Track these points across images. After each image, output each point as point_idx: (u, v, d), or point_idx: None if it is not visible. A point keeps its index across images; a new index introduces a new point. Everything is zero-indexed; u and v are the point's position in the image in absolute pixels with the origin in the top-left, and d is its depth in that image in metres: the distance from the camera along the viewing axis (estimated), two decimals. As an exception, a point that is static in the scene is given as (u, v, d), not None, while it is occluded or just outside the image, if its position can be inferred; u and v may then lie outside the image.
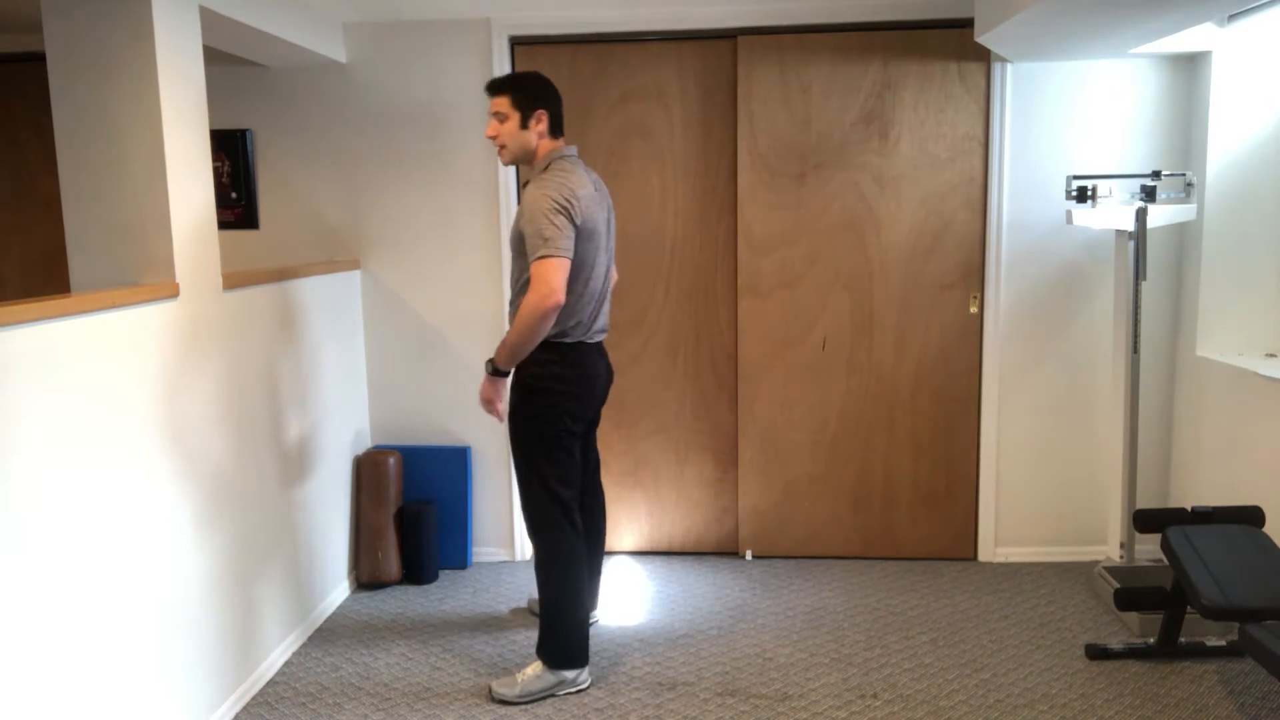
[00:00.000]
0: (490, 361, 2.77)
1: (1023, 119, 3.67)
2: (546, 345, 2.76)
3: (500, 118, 2.77)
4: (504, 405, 2.84)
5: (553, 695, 2.86)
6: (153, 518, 2.41)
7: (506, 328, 3.74)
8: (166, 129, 2.53)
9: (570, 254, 2.64)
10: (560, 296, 2.60)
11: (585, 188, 2.73)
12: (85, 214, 2.56)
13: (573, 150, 2.83)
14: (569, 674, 2.86)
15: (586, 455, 3.13)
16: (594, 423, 3.11)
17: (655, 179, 3.82)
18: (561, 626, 2.85)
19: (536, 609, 3.42)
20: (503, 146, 2.80)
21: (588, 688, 2.91)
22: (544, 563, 2.85)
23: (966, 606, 3.46)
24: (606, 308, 2.91)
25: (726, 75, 3.75)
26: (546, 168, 2.76)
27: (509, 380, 2.81)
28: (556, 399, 2.78)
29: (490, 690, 2.86)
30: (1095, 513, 3.86)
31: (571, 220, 2.64)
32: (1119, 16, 2.79)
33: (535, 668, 2.87)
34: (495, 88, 2.78)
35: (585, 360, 2.83)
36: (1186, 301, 3.65)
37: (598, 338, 2.88)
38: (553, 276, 2.59)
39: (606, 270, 2.87)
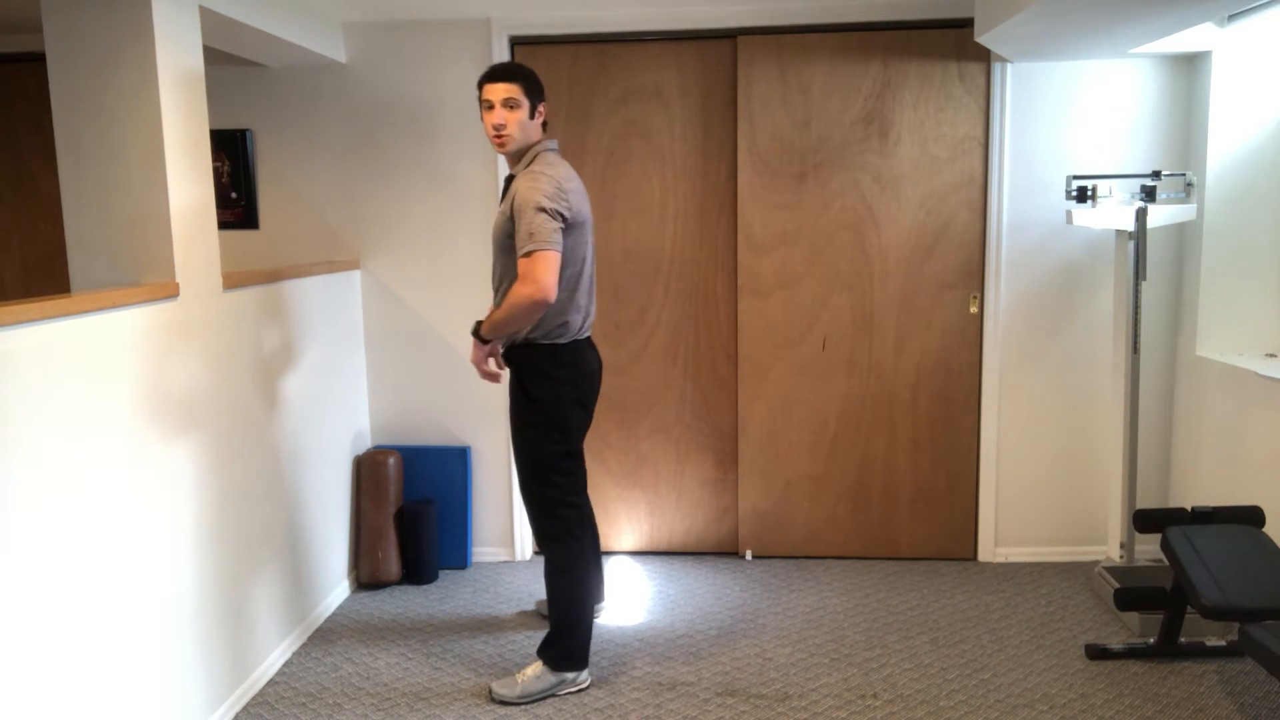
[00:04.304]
0: (477, 325, 2.77)
1: (1023, 119, 3.67)
2: (544, 349, 2.76)
3: (512, 104, 2.69)
4: (493, 368, 2.84)
5: (553, 695, 2.86)
6: (152, 518, 2.41)
7: None
8: (166, 129, 2.53)
9: (560, 248, 2.61)
10: (551, 294, 2.57)
11: (572, 180, 2.74)
12: (85, 214, 2.56)
13: (554, 144, 2.83)
14: (570, 675, 2.87)
15: None
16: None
17: (655, 179, 3.82)
18: (571, 631, 2.85)
19: (545, 611, 3.42)
20: (509, 136, 2.71)
21: (587, 687, 2.91)
22: (558, 570, 2.84)
23: (966, 606, 3.46)
24: (594, 300, 2.91)
25: (726, 75, 3.75)
26: (532, 160, 2.75)
27: (495, 345, 2.81)
28: (561, 402, 2.78)
29: (490, 691, 2.86)
30: (1095, 513, 3.86)
31: (562, 215, 2.63)
32: (1119, 16, 2.79)
33: (536, 668, 2.87)
34: (508, 74, 2.70)
35: (581, 358, 2.83)
36: (1186, 301, 3.65)
37: (588, 332, 2.88)
38: (544, 274, 2.56)
39: (592, 263, 2.87)
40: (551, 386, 2.77)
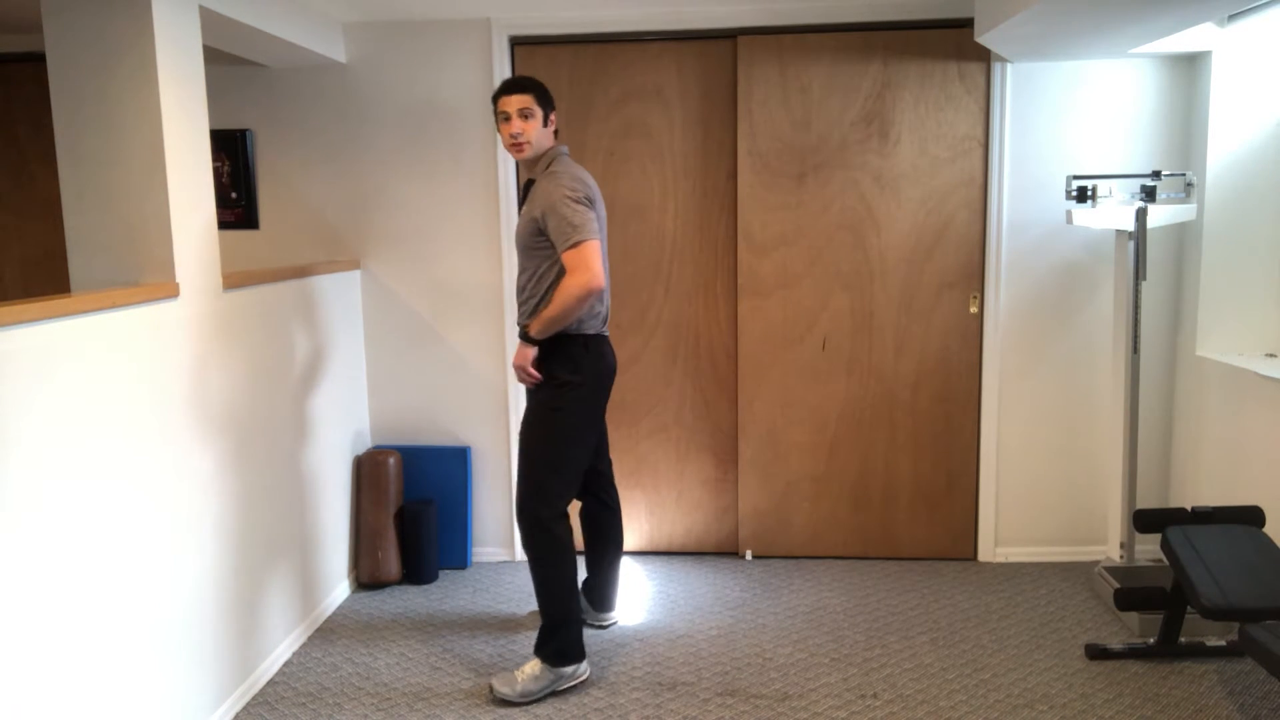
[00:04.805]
0: (523, 329, 2.83)
1: (1023, 119, 3.67)
2: (575, 340, 2.83)
3: (527, 114, 2.82)
4: (535, 371, 2.87)
5: (553, 692, 2.86)
6: (152, 517, 2.41)
7: (512, 331, 3.78)
8: (166, 129, 2.53)
9: (599, 237, 2.74)
10: (601, 280, 2.69)
11: (591, 179, 2.86)
12: (85, 214, 2.56)
13: (566, 149, 2.94)
14: (567, 670, 2.88)
15: (600, 458, 3.19)
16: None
17: (655, 179, 3.82)
18: (559, 625, 2.86)
19: None
20: (526, 143, 2.84)
21: (586, 679, 2.92)
22: (538, 559, 2.87)
23: (966, 606, 3.46)
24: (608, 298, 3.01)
25: (726, 75, 3.75)
26: (550, 163, 2.86)
27: (535, 350, 2.84)
28: (582, 392, 2.84)
29: (491, 688, 2.86)
30: (1095, 513, 3.86)
31: (590, 206, 2.75)
32: (1119, 16, 2.79)
33: (534, 666, 2.87)
34: (522, 86, 2.85)
35: (604, 352, 2.91)
36: (1186, 301, 3.65)
37: (607, 330, 2.97)
38: (593, 261, 2.68)
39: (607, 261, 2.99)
40: (578, 375, 2.83)
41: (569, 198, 2.71)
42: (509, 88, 2.84)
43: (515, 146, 2.84)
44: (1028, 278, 3.75)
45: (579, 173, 2.81)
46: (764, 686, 2.91)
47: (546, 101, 2.87)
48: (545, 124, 2.86)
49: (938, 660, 3.06)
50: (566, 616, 2.86)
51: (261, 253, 3.90)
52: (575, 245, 2.68)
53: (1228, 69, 3.43)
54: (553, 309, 2.73)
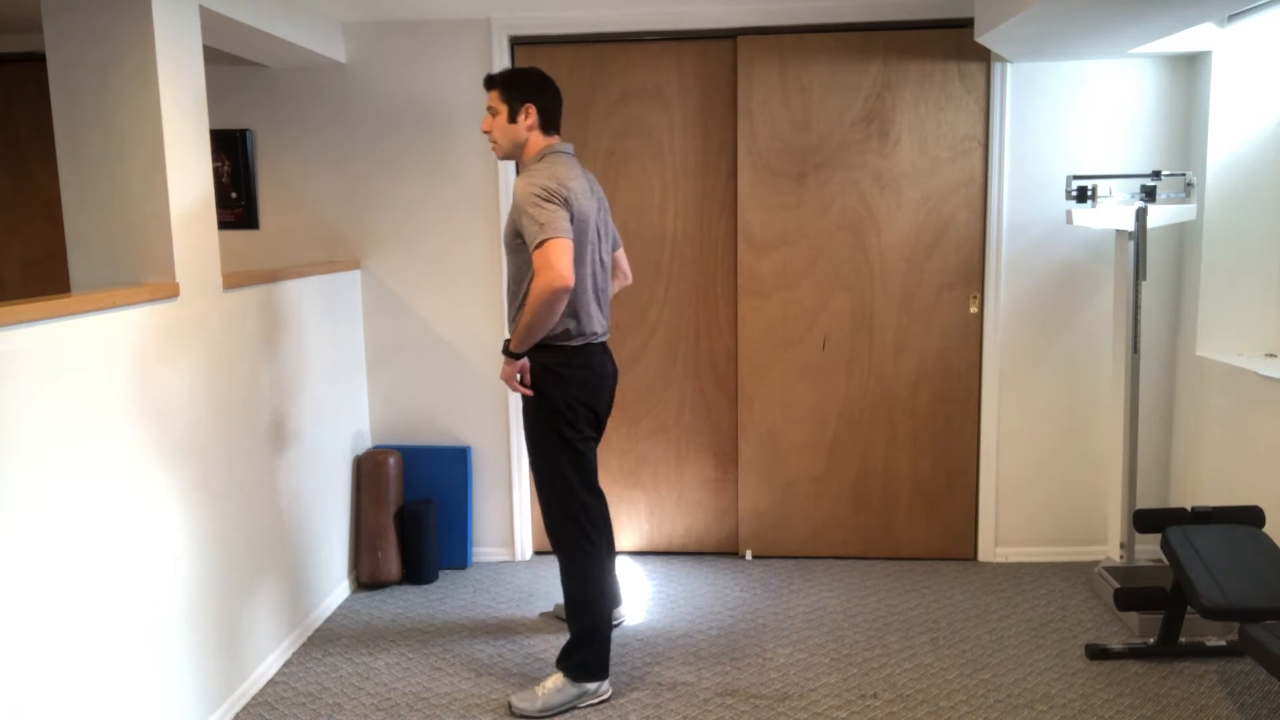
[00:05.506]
0: (505, 343, 2.72)
1: (1023, 119, 3.67)
2: (556, 350, 2.73)
3: (492, 112, 2.77)
4: (521, 384, 2.78)
5: (575, 708, 2.80)
6: (152, 517, 2.41)
7: (507, 332, 3.76)
8: (166, 129, 2.53)
9: (570, 235, 2.59)
10: (568, 279, 2.53)
11: (575, 179, 2.70)
12: (85, 214, 2.56)
13: (568, 147, 2.81)
14: (591, 686, 2.81)
15: None
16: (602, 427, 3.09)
17: (655, 179, 3.82)
18: (588, 640, 2.80)
19: (562, 614, 3.41)
20: (494, 141, 2.79)
21: (609, 698, 2.86)
22: (571, 576, 2.81)
23: (966, 606, 3.46)
24: (607, 307, 2.88)
25: (726, 75, 3.75)
26: (539, 160, 2.74)
27: (524, 361, 2.74)
28: (569, 401, 2.74)
29: (510, 705, 2.79)
30: (1095, 513, 3.86)
31: (564, 205, 2.60)
32: (1119, 16, 2.79)
33: (556, 680, 2.80)
34: (488, 82, 2.79)
35: (591, 360, 2.79)
36: (1186, 301, 3.65)
37: (602, 338, 2.84)
38: (557, 259, 2.53)
39: (603, 268, 2.84)
40: (560, 385, 2.73)
41: (536, 196, 2.57)
42: (484, 83, 2.81)
43: (491, 145, 2.82)
44: (1028, 278, 3.75)
45: (558, 171, 2.66)
46: (764, 686, 2.91)
47: (514, 95, 2.72)
48: (514, 119, 2.73)
49: (938, 660, 3.06)
50: (593, 631, 2.79)
51: (261, 253, 3.90)
52: (540, 244, 2.53)
53: (1228, 69, 3.43)
54: (524, 315, 2.60)
